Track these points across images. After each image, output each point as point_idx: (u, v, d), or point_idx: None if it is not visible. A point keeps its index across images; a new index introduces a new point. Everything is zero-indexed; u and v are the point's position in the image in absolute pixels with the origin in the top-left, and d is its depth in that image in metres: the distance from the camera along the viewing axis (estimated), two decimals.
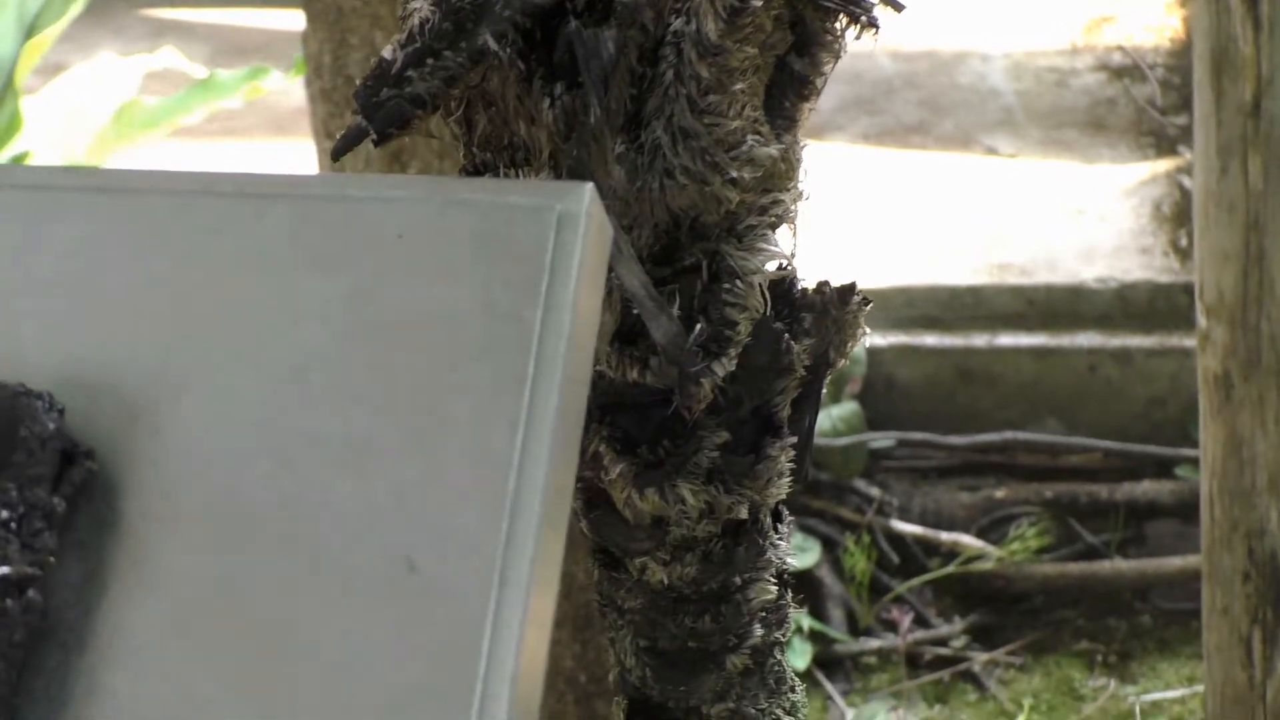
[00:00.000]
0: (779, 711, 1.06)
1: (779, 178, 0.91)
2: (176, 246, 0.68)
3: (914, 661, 3.01)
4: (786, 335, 0.94)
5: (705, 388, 0.91)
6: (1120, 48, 4.10)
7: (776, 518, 1.03)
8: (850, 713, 2.88)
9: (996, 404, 3.24)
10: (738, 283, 0.91)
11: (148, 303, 0.68)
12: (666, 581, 1.00)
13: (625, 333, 0.90)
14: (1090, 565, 3.07)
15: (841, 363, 0.99)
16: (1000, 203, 3.55)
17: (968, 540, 3.09)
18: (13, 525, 0.62)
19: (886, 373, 3.25)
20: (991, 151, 3.77)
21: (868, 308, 0.98)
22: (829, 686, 2.97)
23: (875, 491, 3.18)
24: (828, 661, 3.01)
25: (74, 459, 0.65)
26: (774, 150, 0.88)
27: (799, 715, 1.07)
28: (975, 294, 3.27)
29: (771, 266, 0.93)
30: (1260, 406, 1.97)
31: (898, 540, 3.13)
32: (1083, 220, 3.45)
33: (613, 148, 0.85)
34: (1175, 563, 3.01)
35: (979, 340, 3.24)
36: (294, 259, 0.67)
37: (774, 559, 1.02)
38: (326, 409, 0.66)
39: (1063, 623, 3.05)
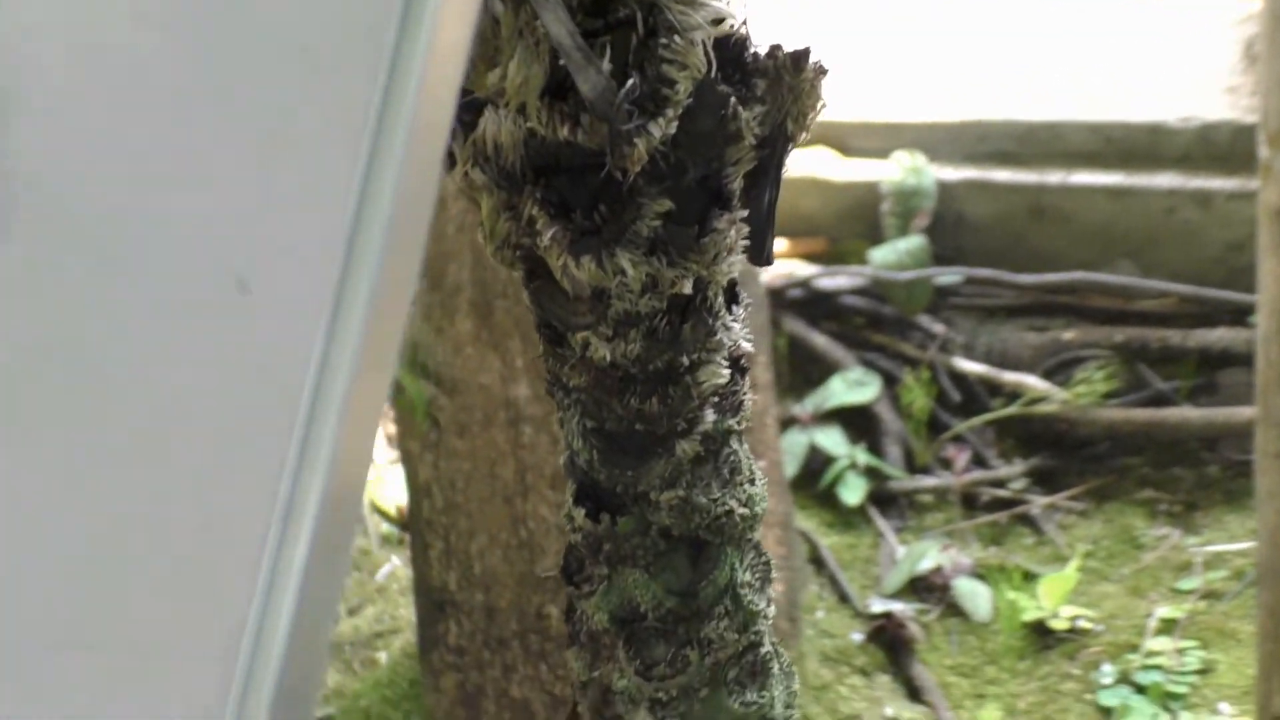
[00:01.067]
0: (733, 503, 1.02)
1: None
2: None
3: (970, 502, 2.98)
4: (734, 99, 0.89)
5: (640, 149, 0.86)
6: None
7: (731, 298, 0.99)
8: (901, 549, 2.85)
9: (1069, 244, 3.17)
10: (676, 38, 0.86)
11: None
12: (610, 358, 0.96)
13: (555, 87, 0.86)
14: (1158, 412, 3.00)
15: (802, 136, 0.94)
16: (1082, 36, 3.45)
17: (1032, 381, 3.04)
18: None
19: (956, 208, 3.19)
20: None
21: (825, 76, 0.93)
22: (881, 523, 2.94)
23: (939, 328, 3.13)
24: (882, 498, 2.98)
25: None
26: None
27: (755, 508, 1.04)
28: (1052, 130, 3.20)
29: (711, 22, 0.88)
30: None
31: (960, 379, 3.09)
32: (1168, 58, 3.35)
33: None
34: (1246, 413, 2.94)
35: (1053, 177, 3.17)
36: None
37: (726, 341, 0.98)
38: (165, 119, 0.62)
39: (1126, 470, 2.99)
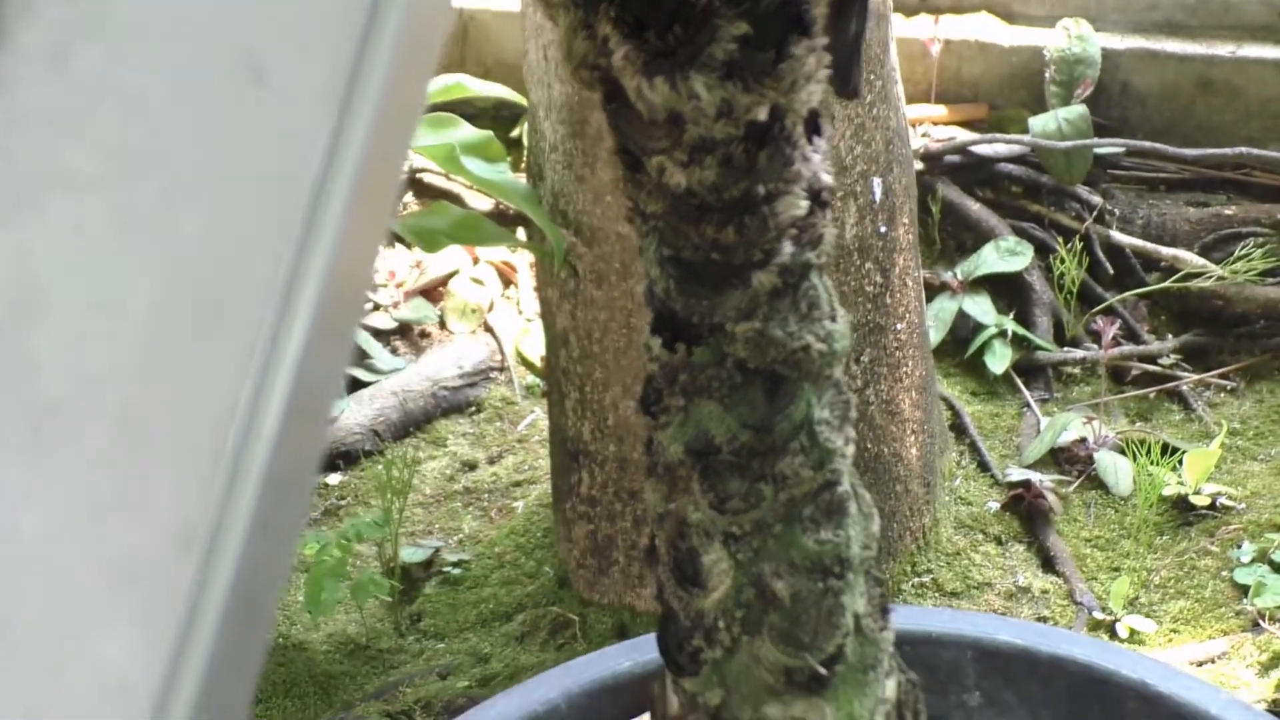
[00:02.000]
0: (810, 338, 1.02)
1: None
2: None
3: (1119, 376, 2.94)
4: None
5: None
6: None
7: (814, 129, 0.98)
8: (1045, 420, 2.82)
9: (1236, 118, 3.10)
10: None
11: None
12: (686, 185, 0.96)
13: None
14: None
15: None
16: None
17: (1188, 256, 2.99)
18: None
19: (1121, 78, 3.14)
20: None
21: None
22: (1027, 394, 2.91)
23: (1097, 199, 3.08)
24: (1028, 368, 2.96)
25: None
26: None
27: (835, 346, 1.03)
28: (1223, 0, 3.12)
29: None
30: None
31: (1115, 251, 3.04)
32: None
33: None
34: None
35: (1223, 50, 3.10)
36: None
37: (805, 172, 0.97)
38: None
39: None
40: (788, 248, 1.00)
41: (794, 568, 1.08)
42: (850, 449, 1.08)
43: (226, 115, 0.61)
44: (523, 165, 2.75)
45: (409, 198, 3.51)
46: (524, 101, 2.54)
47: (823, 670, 1.10)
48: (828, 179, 0.99)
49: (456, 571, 2.69)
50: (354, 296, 0.60)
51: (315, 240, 0.58)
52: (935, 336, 2.90)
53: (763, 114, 0.93)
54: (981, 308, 2.96)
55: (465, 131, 2.25)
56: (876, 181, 2.33)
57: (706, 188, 0.96)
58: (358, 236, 0.59)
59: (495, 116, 3.47)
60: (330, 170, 0.59)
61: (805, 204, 0.98)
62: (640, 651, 1.51)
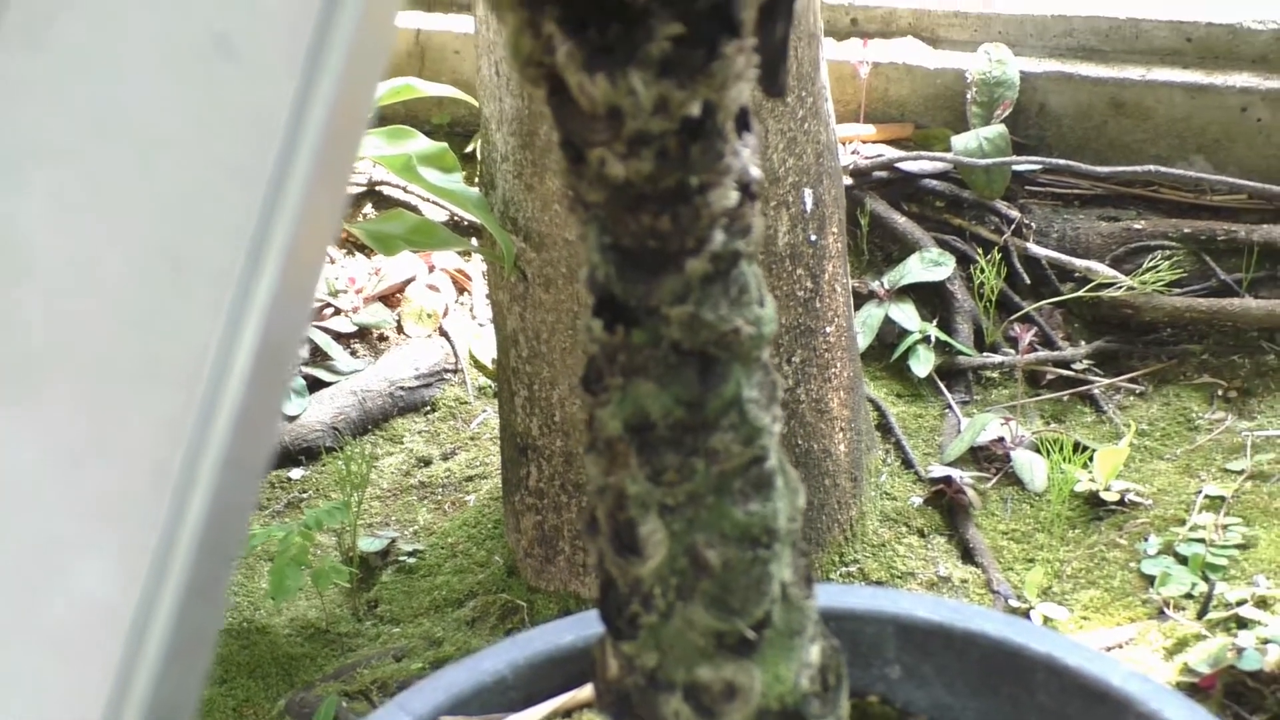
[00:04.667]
0: (739, 321, 1.03)
1: None
2: None
3: (1034, 380, 2.97)
4: None
5: None
6: None
7: (742, 125, 0.99)
8: (965, 421, 2.85)
9: (1146, 138, 3.14)
10: None
11: None
12: (624, 176, 0.97)
13: None
14: (1220, 301, 2.98)
15: None
16: None
17: (1100, 268, 3.03)
18: None
19: (1039, 100, 3.17)
20: None
21: None
22: (948, 395, 2.94)
23: (1015, 214, 3.11)
24: (950, 372, 2.98)
25: None
26: None
27: (763, 330, 1.05)
28: (1135, 27, 3.16)
29: None
30: None
31: (1032, 262, 3.07)
32: None
33: None
34: None
35: (1134, 73, 3.13)
36: None
37: (735, 165, 0.99)
38: None
39: (1186, 356, 2.97)
40: (719, 236, 1.01)
41: (725, 538, 1.09)
42: (777, 427, 1.09)
43: (196, 86, 0.62)
44: (476, 179, 2.76)
45: (369, 209, 3.51)
46: (470, 100, 2.55)
47: (751, 634, 1.11)
48: (756, 172, 1.01)
49: (411, 560, 2.70)
50: (316, 253, 0.61)
51: (281, 200, 0.59)
52: (863, 341, 2.93)
53: (696, 109, 0.95)
54: (906, 315, 2.98)
55: (422, 143, 2.27)
56: (808, 192, 2.35)
57: (644, 178, 0.98)
58: (320, 198, 0.61)
59: (450, 133, 3.48)
60: (294, 136, 0.60)
61: (735, 195, 1.00)
62: (583, 626, 1.52)
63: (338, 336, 3.23)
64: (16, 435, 0.60)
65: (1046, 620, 2.41)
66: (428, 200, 3.39)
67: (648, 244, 1.01)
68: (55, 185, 0.61)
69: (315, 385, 3.12)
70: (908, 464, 2.79)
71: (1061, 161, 3.12)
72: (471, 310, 3.28)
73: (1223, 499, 2.64)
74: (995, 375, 2.98)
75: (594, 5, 0.91)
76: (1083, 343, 3.01)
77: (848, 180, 2.99)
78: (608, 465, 1.11)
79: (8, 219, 0.60)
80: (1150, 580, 2.48)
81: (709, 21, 0.93)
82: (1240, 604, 2.34)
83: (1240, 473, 2.71)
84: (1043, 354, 2.97)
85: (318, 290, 0.63)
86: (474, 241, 2.90)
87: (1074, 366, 2.97)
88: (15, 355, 0.60)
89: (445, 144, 2.30)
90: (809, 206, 2.36)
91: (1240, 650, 2.20)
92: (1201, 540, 2.52)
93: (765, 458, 1.10)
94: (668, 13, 0.92)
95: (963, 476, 2.71)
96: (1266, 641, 2.20)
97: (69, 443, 0.58)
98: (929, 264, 3.01)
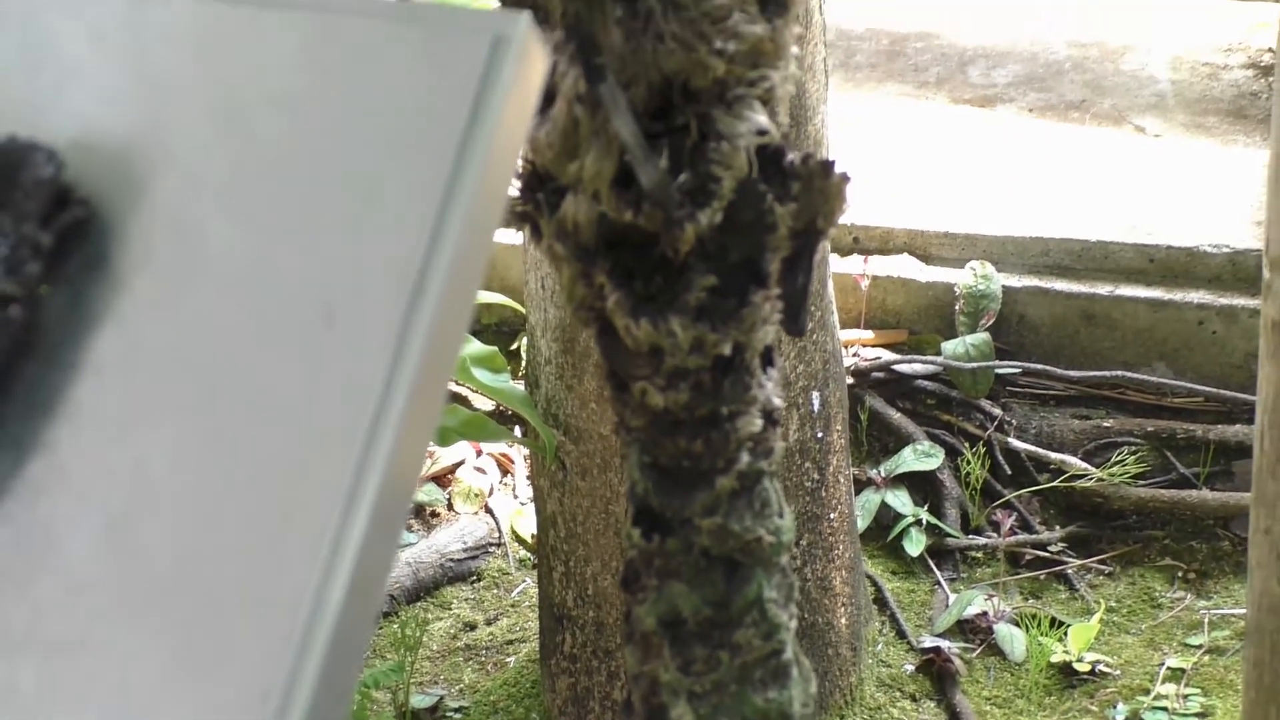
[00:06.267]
0: (762, 531, 1.05)
1: (767, 55, 0.89)
2: (180, 42, 0.69)
3: (1015, 560, 2.96)
4: (770, 195, 0.92)
5: (688, 232, 0.90)
6: (1271, 50, 3.95)
7: (767, 361, 1.01)
8: (953, 596, 2.84)
9: (1113, 346, 3.16)
10: (723, 143, 0.89)
11: (152, 88, 0.69)
12: (663, 405, 0.99)
13: (622, 178, 0.90)
14: (1180, 492, 2.98)
15: (830, 230, 0.97)
16: (1138, 173, 3.45)
17: (1074, 461, 3.03)
18: (1, 252, 0.64)
19: (1019, 311, 3.19)
20: (1140, 130, 3.66)
21: (848, 182, 0.96)
22: (938, 573, 2.93)
23: (998, 411, 3.12)
24: (940, 552, 2.98)
25: (68, 204, 0.66)
26: (759, 29, 0.86)
27: (782, 538, 1.06)
28: (1104, 248, 3.19)
29: (754, 132, 0.90)
30: None
31: (1012, 455, 3.08)
32: (1208, 193, 3.34)
33: (612, 10, 0.84)
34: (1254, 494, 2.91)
35: (1103, 289, 3.16)
36: (274, 60, 0.68)
37: (760, 396, 1.01)
38: (280, 183, 0.66)
39: (1151, 540, 2.97)
40: (745, 457, 1.03)
41: None
42: (793, 623, 1.10)
43: (302, 351, 0.64)
44: (521, 372, 2.78)
45: None
46: (514, 305, 2.58)
47: None
48: (778, 402, 1.03)
49: (458, 716, 2.68)
50: (403, 498, 0.63)
51: (373, 455, 0.61)
52: (862, 524, 2.93)
53: (727, 349, 0.97)
54: (901, 500, 2.99)
55: (475, 346, 2.29)
56: (815, 395, 2.37)
57: (680, 407, 0.99)
58: (406, 453, 0.62)
59: (497, 331, 3.51)
60: (385, 400, 0.62)
61: (760, 422, 1.02)
62: None
63: None
64: (140, 650, 0.61)
65: None
66: (477, 391, 3.42)
67: (683, 463, 1.03)
68: (178, 435, 0.63)
69: None
70: (901, 634, 2.78)
71: (1039, 366, 3.14)
72: (514, 490, 3.29)
73: (1183, 671, 2.62)
74: (980, 555, 2.97)
75: (639, 258, 0.94)
76: (1058, 527, 3.01)
77: (849, 380, 3.00)
78: (643, 655, 1.12)
79: (136, 471, 0.62)
80: None
81: (740, 273, 0.95)
82: None
83: (1199, 647, 2.70)
84: (1022, 537, 2.97)
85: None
86: (518, 431, 2.91)
87: (1050, 549, 2.96)
88: (142, 579, 0.61)
89: (495, 347, 2.32)
90: (816, 407, 2.38)
91: None
92: (1165, 709, 2.51)
93: (783, 650, 1.10)
94: (704, 266, 0.94)
95: (951, 647, 2.69)
96: None
97: (186, 660, 0.59)
98: (921, 455, 3.02)
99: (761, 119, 0.90)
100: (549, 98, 0.86)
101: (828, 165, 0.94)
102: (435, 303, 0.63)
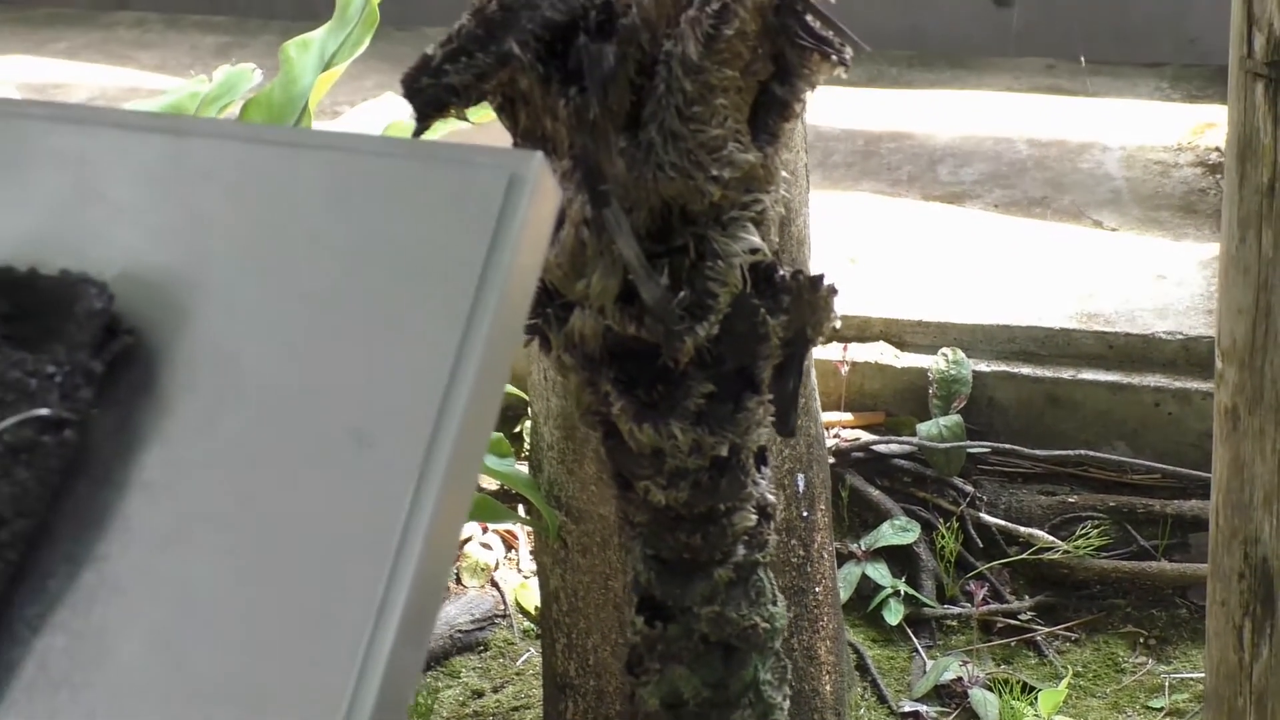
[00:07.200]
0: (757, 618, 1.05)
1: (759, 180, 0.90)
2: (220, 181, 0.70)
3: (987, 628, 2.96)
4: (763, 309, 0.93)
5: (688, 344, 0.90)
6: (1218, 149, 3.98)
7: (761, 460, 1.02)
8: (929, 663, 2.83)
9: (1076, 426, 3.16)
10: (719, 262, 0.90)
11: (194, 225, 0.69)
12: (664, 502, 1.00)
13: (625, 295, 0.90)
14: (1141, 564, 2.99)
15: (819, 339, 0.97)
16: (1097, 265, 3.47)
17: (1041, 534, 3.03)
18: (57, 379, 0.64)
19: (988, 394, 3.20)
20: (1097, 224, 3.69)
21: (835, 295, 0.96)
22: (915, 641, 2.92)
23: (970, 488, 3.12)
24: (917, 621, 2.97)
25: (117, 334, 0.66)
26: (752, 157, 0.87)
27: (776, 624, 1.06)
28: (1066, 336, 3.20)
29: (747, 251, 0.91)
30: (1260, 436, 1.91)
31: (984, 529, 3.08)
32: (1162, 284, 3.36)
33: (616, 142, 0.85)
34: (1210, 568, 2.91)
35: (1066, 373, 3.17)
36: (307, 198, 0.68)
37: (755, 493, 1.01)
38: (314, 313, 0.67)
39: (1114, 609, 2.97)
40: (741, 550, 1.03)
41: None
42: (787, 704, 1.10)
43: (333, 472, 0.65)
44: (524, 454, 2.79)
45: None
46: (520, 394, 2.59)
47: None
48: (771, 498, 1.03)
49: None
50: (430, 605, 0.63)
51: (402, 566, 0.61)
52: (844, 595, 2.92)
53: (724, 451, 0.97)
54: (880, 572, 2.98)
55: None
56: (800, 477, 2.37)
57: (680, 504, 1.00)
58: (433, 562, 0.63)
59: (502, 416, 3.52)
60: (412, 514, 0.62)
61: (755, 517, 1.02)
62: None
63: None
64: None
65: None
66: (482, 473, 3.42)
67: (683, 556, 1.03)
68: (220, 548, 0.63)
69: None
70: (882, 699, 2.77)
71: (1008, 445, 3.15)
72: (518, 565, 3.28)
73: None
74: (954, 624, 2.97)
75: (642, 368, 0.94)
76: (1027, 597, 3.01)
77: (831, 460, 3.01)
78: None
79: (182, 583, 0.62)
80: None
81: (735, 381, 0.96)
82: None
83: (1160, 709, 2.69)
84: (994, 606, 2.96)
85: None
86: (521, 510, 2.91)
87: (1020, 617, 2.96)
88: (188, 687, 0.61)
89: (501, 434, 2.33)
90: (801, 488, 2.38)
91: None
92: None
93: None
94: (702, 374, 0.94)
95: (928, 711, 2.69)
96: None
97: None
98: (898, 530, 3.02)
99: (754, 239, 0.91)
100: (558, 222, 0.87)
101: (816, 280, 0.95)
102: (458, 423, 0.64)
